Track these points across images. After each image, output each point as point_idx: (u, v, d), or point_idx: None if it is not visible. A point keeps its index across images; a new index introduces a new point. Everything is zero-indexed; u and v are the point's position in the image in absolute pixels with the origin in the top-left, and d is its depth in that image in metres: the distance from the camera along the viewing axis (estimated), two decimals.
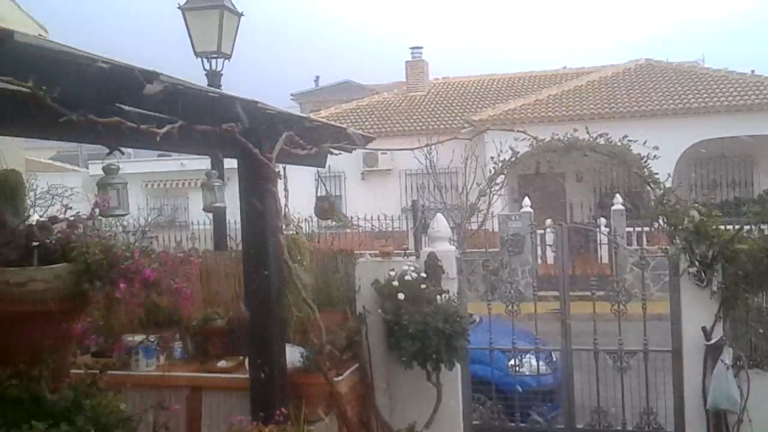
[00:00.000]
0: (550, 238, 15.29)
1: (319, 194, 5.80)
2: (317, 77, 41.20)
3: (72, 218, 2.44)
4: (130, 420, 2.13)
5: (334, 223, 6.21)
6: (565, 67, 27.53)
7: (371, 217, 18.06)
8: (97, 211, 2.73)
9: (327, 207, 5.78)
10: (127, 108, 3.34)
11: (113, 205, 3.38)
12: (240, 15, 7.69)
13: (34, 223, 2.35)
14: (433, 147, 19.99)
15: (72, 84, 2.89)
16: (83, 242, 2.32)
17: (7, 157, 4.32)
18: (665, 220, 5.58)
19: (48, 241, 2.33)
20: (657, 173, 5.83)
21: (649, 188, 5.98)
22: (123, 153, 3.38)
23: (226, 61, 7.72)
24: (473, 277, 10.91)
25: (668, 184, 6.04)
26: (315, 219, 6.21)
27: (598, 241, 17.14)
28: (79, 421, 1.97)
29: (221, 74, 7.64)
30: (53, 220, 2.42)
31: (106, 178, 3.48)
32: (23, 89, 2.62)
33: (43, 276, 2.14)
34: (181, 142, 3.75)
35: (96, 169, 22.75)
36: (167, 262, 2.53)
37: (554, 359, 6.98)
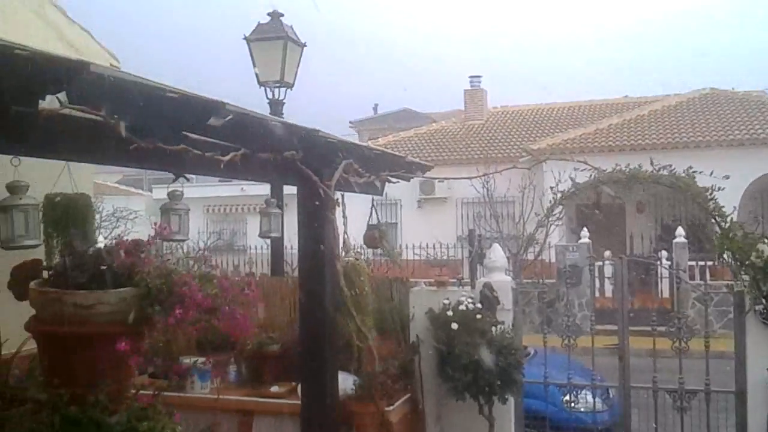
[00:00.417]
0: (608, 270, 15.00)
1: (370, 222, 5.83)
2: (376, 105, 41.68)
3: (135, 243, 2.52)
4: None
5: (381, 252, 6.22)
6: (626, 96, 27.15)
7: (426, 245, 18.02)
8: (157, 237, 2.81)
9: (377, 236, 5.81)
10: (192, 136, 3.45)
11: (174, 230, 3.48)
12: (303, 45, 7.86)
13: (102, 246, 2.44)
14: (490, 176, 19.96)
15: (142, 113, 3.01)
16: (145, 267, 2.39)
17: (77, 181, 4.50)
18: (731, 254, 5.41)
19: (115, 265, 2.41)
20: (723, 206, 5.68)
21: (713, 221, 5.83)
22: (188, 179, 3.48)
23: (288, 90, 7.90)
24: (529, 308, 10.78)
25: (734, 217, 5.87)
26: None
27: (659, 275, 16.70)
28: None
29: (284, 103, 7.81)
30: (121, 245, 2.51)
31: (170, 204, 3.59)
32: (97, 117, 2.74)
33: (109, 299, 2.22)
34: (243, 169, 3.85)
35: (159, 192, 23.42)
36: (226, 288, 2.59)
37: (611, 396, 6.80)
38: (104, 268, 2.37)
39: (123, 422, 2.10)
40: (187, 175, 3.51)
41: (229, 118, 3.42)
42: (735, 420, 5.47)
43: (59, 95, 2.40)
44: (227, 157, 3.60)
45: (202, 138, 3.51)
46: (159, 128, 3.17)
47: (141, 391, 2.36)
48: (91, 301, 2.27)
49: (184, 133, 3.37)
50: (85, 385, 2.30)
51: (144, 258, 2.48)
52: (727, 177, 6.05)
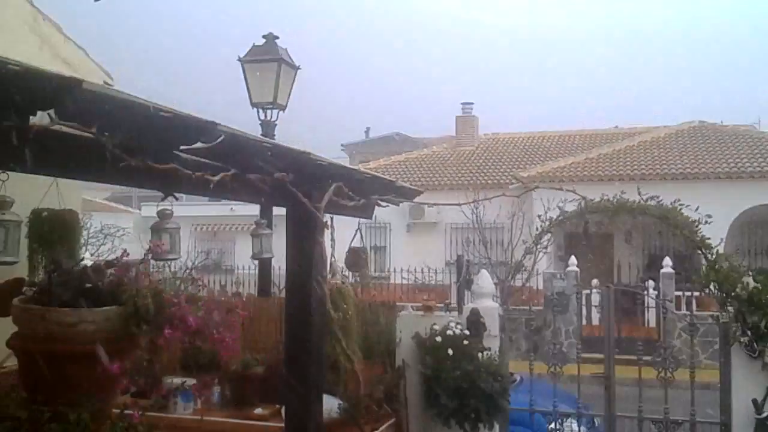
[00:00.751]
0: (596, 298, 15.02)
1: (352, 245, 5.83)
2: (368, 129, 41.86)
3: (125, 262, 2.51)
4: None
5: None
6: (616, 126, 27.42)
7: (415, 270, 18.02)
8: (150, 256, 2.80)
9: (357, 260, 5.80)
10: (183, 155, 3.46)
11: (165, 249, 3.46)
12: (297, 68, 7.91)
13: (88, 264, 2.43)
14: (480, 202, 20.05)
15: (133, 131, 3.01)
16: (134, 286, 2.38)
17: (65, 197, 4.49)
18: (717, 286, 5.45)
19: (100, 283, 2.40)
20: (709, 238, 5.72)
21: (699, 252, 5.87)
22: (177, 198, 3.48)
23: (281, 111, 7.93)
24: (515, 334, 10.78)
25: (720, 250, 5.91)
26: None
27: (646, 304, 16.75)
28: None
29: (275, 124, 7.84)
30: (109, 264, 2.50)
31: (161, 223, 3.57)
32: (88, 135, 2.74)
33: (94, 318, 2.20)
34: (233, 189, 3.84)
35: (148, 210, 23.35)
36: (212, 310, 2.58)
37: (596, 425, 6.78)
38: (89, 286, 2.35)
39: None
40: (177, 194, 3.51)
41: (221, 139, 3.43)
42: None
43: (50, 111, 2.40)
44: (217, 177, 3.60)
45: (193, 158, 3.52)
46: (150, 147, 3.17)
47: (125, 411, 2.33)
48: (75, 319, 2.25)
49: (175, 152, 3.38)
50: (67, 403, 2.27)
51: (133, 277, 2.47)
52: (710, 216, 6.07)
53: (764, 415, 5.13)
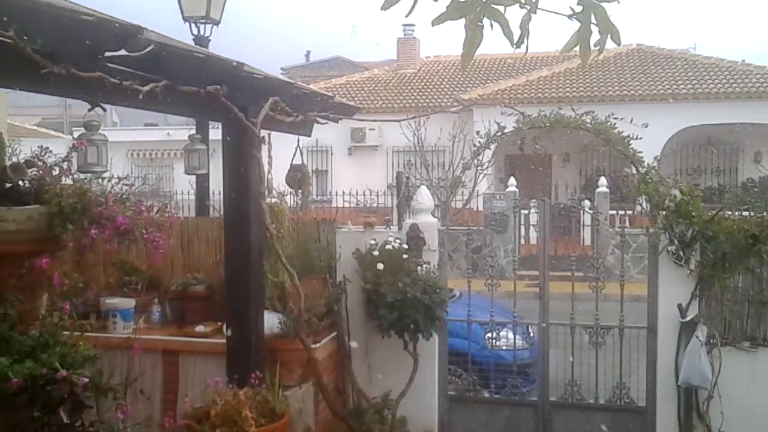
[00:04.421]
0: (534, 218, 15.37)
1: (293, 162, 5.78)
2: (308, 52, 40.84)
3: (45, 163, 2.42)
4: (97, 359, 2.14)
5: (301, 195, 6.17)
6: (557, 49, 27.47)
7: (357, 193, 18.05)
8: (73, 152, 2.71)
9: (299, 177, 5.77)
10: (111, 65, 3.32)
11: (92, 161, 3.36)
12: None
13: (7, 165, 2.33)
14: (421, 124, 20.02)
15: (55, 36, 2.87)
16: (57, 185, 2.31)
17: None
18: (647, 198, 5.62)
19: (22, 183, 2.31)
20: (641, 151, 5.86)
21: (633, 170, 6.01)
22: (105, 110, 3.36)
23: (215, 27, 7.65)
24: (456, 254, 10.97)
25: (654, 164, 6.07)
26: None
27: (582, 223, 17.26)
28: (44, 357, 1.98)
29: (209, 40, 7.58)
30: (29, 163, 2.41)
31: (87, 134, 3.45)
32: (5, 39, 2.59)
33: (15, 217, 2.12)
34: (164, 102, 3.73)
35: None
36: (141, 211, 2.53)
37: (532, 335, 7.03)
38: (10, 186, 2.26)
39: (34, 337, 2.05)
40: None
41: (149, 48, 3.30)
42: (646, 353, 5.75)
43: None
44: (147, 88, 3.48)
45: (121, 68, 3.39)
46: (72, 53, 3.03)
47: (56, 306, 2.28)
48: None
49: (103, 62, 3.24)
50: None
51: (56, 176, 2.38)
52: (646, 125, 6.23)
53: (688, 318, 5.41)
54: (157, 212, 2.57)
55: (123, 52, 3.21)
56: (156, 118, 28.63)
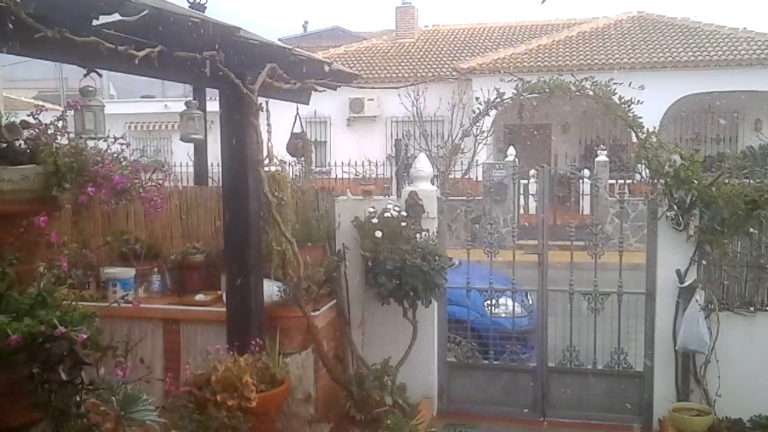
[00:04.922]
0: (533, 188, 15.36)
1: (294, 130, 5.75)
2: (306, 23, 40.52)
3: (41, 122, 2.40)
4: (95, 317, 2.15)
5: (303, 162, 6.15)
6: (557, 17, 27.22)
7: (356, 163, 17.99)
8: (69, 112, 2.69)
9: (301, 144, 5.75)
10: (107, 30, 3.28)
11: (89, 128, 3.33)
12: None
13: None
14: (420, 94, 19.88)
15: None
16: (53, 144, 2.29)
17: None
18: (647, 164, 5.60)
19: (17, 143, 2.30)
20: (641, 117, 5.82)
21: (633, 138, 5.98)
22: (100, 75, 3.33)
23: None
24: (455, 224, 10.98)
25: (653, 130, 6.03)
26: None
27: (581, 192, 17.25)
28: (42, 314, 1.98)
29: (205, 7, 7.46)
30: (24, 124, 2.39)
31: (83, 100, 3.42)
32: None
33: (10, 176, 2.11)
34: (160, 68, 3.69)
35: None
36: (138, 171, 2.52)
37: (530, 303, 7.05)
38: (5, 146, 2.25)
39: (32, 295, 2.05)
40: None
41: (144, 13, 3.26)
42: (644, 318, 5.78)
43: None
44: (142, 53, 3.46)
45: (117, 33, 3.35)
46: (66, 18, 3.00)
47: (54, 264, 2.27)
48: None
49: (99, 27, 3.20)
50: None
51: (52, 135, 2.36)
52: (642, 87, 6.18)
53: (686, 283, 5.42)
54: (153, 172, 2.55)
55: (117, 16, 3.18)
56: (153, 91, 28.46)
